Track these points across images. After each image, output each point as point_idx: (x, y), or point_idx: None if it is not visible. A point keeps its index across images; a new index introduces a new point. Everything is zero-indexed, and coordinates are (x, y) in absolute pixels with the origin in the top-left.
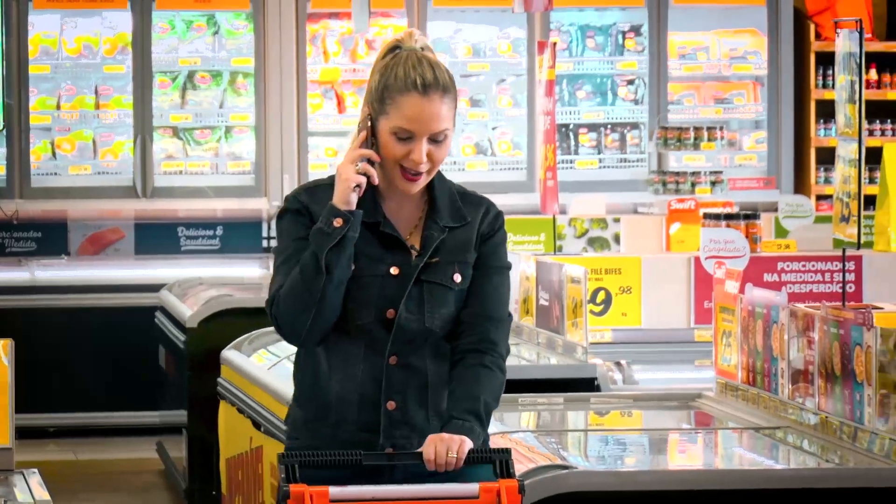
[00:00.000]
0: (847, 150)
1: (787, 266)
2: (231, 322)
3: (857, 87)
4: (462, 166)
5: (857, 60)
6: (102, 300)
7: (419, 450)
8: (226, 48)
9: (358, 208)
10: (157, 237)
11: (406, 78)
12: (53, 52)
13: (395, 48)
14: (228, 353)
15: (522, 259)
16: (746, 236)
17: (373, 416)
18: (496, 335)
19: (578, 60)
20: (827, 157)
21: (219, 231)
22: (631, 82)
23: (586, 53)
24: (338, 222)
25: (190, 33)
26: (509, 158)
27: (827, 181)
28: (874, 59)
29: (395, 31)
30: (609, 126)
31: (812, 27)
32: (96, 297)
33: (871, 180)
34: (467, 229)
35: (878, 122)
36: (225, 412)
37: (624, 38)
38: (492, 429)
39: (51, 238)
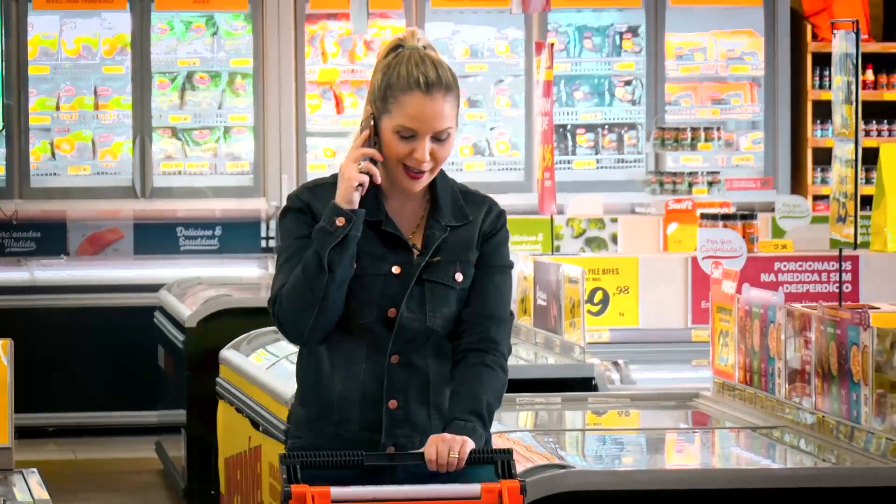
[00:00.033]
0: (844, 151)
1: (784, 266)
2: (230, 322)
3: (853, 87)
4: (460, 167)
5: (854, 61)
6: (101, 300)
7: (421, 450)
8: (224, 49)
9: (360, 207)
10: (156, 237)
11: (409, 77)
12: (53, 52)
13: (397, 47)
14: (227, 353)
15: (520, 259)
16: (743, 236)
17: (375, 416)
18: (498, 334)
19: (576, 61)
20: (824, 158)
21: (217, 231)
22: (628, 83)
23: (584, 54)
24: (340, 221)
25: (189, 34)
26: (507, 159)
27: (823, 181)
28: (871, 60)
29: (393, 32)
30: (606, 126)
31: (809, 28)
32: (95, 297)
33: (868, 181)
34: (469, 228)
35: (874, 122)
36: (224, 412)
37: (621, 39)
38: (490, 428)
39: (50, 238)
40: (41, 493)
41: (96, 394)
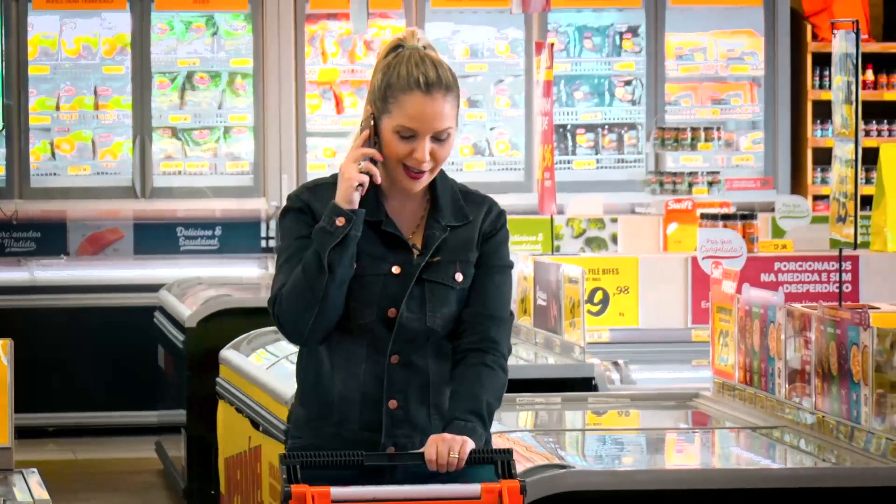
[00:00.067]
0: (844, 151)
1: (784, 266)
2: (230, 322)
3: (853, 87)
4: (460, 167)
5: (854, 61)
6: (101, 300)
7: (421, 450)
8: (224, 49)
9: (360, 207)
10: (156, 237)
11: (409, 76)
12: (53, 52)
13: (397, 47)
14: (227, 353)
15: (520, 259)
16: (743, 236)
17: (375, 415)
18: (498, 334)
19: (576, 61)
20: (824, 158)
21: (217, 231)
22: (628, 83)
23: (584, 54)
24: (340, 221)
25: (189, 34)
26: (507, 159)
27: (823, 181)
28: (871, 60)
29: (393, 32)
30: (606, 126)
31: (809, 28)
32: (95, 297)
33: (868, 181)
34: (469, 228)
35: (874, 122)
36: (223, 412)
37: (621, 39)
38: (490, 428)
39: (50, 238)
40: (41, 493)
41: (96, 394)
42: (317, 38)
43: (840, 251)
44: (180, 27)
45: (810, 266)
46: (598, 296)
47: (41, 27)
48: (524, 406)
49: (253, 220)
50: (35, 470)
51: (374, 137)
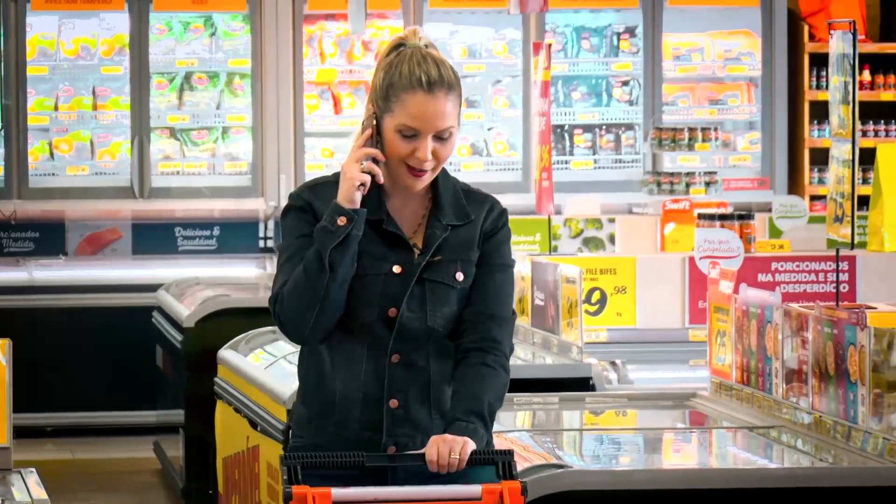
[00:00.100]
0: (841, 151)
1: (781, 266)
2: (228, 322)
3: (850, 88)
4: (458, 167)
5: (851, 62)
6: (100, 300)
7: (422, 451)
8: (223, 49)
9: (362, 206)
10: (154, 237)
11: (411, 75)
12: (51, 53)
13: (399, 46)
14: (225, 353)
15: (518, 259)
16: (741, 236)
17: (376, 415)
18: (499, 334)
19: (573, 62)
20: (821, 158)
21: (216, 231)
22: (626, 83)
23: (581, 55)
24: (342, 221)
25: (187, 34)
26: (505, 159)
27: (820, 182)
28: (868, 61)
29: (391, 33)
30: (604, 127)
31: (806, 28)
32: (94, 297)
33: (865, 181)
34: (471, 227)
35: (871, 122)
36: (222, 412)
37: (619, 40)
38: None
39: (49, 238)
40: (40, 492)
41: (95, 394)
42: (315, 38)
43: (837, 251)
44: (178, 28)
45: (807, 266)
46: (596, 296)
47: (40, 27)
48: (522, 406)
49: (251, 221)
50: (34, 470)
51: (375, 136)
